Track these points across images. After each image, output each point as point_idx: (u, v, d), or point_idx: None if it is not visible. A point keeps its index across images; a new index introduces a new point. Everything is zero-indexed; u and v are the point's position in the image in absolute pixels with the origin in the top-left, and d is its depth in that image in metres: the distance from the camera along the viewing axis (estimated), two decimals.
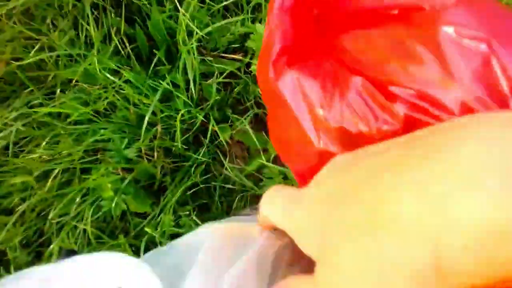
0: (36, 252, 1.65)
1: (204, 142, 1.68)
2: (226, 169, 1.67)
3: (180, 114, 1.53)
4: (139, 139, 1.59)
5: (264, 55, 0.59)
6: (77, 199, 1.58)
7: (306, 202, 0.36)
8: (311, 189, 0.38)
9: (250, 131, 1.67)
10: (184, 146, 1.62)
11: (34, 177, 1.57)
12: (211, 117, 1.63)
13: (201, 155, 1.64)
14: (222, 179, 1.71)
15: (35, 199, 1.58)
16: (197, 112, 1.58)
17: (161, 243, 1.55)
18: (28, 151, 1.63)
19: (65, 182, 1.64)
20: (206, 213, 1.66)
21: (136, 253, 1.53)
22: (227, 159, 1.69)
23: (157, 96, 1.52)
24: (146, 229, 1.54)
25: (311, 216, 0.34)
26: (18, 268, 1.59)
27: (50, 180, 1.55)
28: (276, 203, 0.43)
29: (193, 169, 1.64)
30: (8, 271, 1.59)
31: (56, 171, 1.58)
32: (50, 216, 1.58)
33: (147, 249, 1.55)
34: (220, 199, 1.69)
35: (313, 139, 0.52)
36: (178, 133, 1.53)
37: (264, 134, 1.69)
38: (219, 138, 1.71)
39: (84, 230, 1.57)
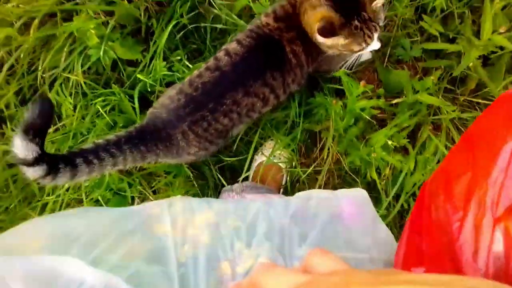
0: None
1: None
2: (214, 7, 1.57)
3: None
4: None
5: None
6: (64, 50, 1.53)
7: None
8: None
9: None
10: None
11: (16, 28, 1.50)
12: None
13: None
14: (212, 20, 1.62)
15: (21, 52, 1.53)
16: None
17: (154, 91, 1.54)
18: (4, 1, 1.54)
19: (52, 35, 1.58)
20: (198, 58, 1.61)
21: (131, 101, 1.53)
22: None
23: None
24: (139, 75, 1.51)
25: None
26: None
27: (32, 29, 1.48)
28: None
29: (178, 7, 1.54)
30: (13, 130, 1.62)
31: (37, 20, 1.50)
32: (40, 69, 1.55)
33: (142, 98, 1.54)
34: (212, 42, 1.62)
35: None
36: None
37: None
38: None
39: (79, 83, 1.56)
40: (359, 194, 0.93)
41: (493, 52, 1.34)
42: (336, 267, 0.49)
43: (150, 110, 1.33)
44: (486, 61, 1.47)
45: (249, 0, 1.56)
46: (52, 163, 1.07)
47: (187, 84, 1.27)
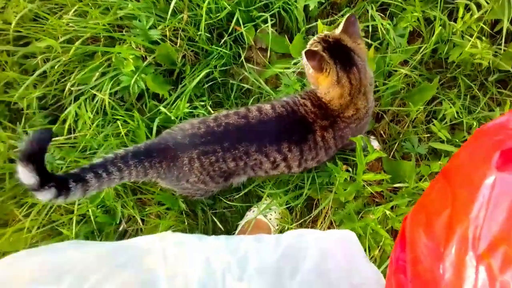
0: (52, 117, 1.71)
1: (227, 40, 1.70)
2: (246, 69, 1.70)
3: (207, 1, 1.54)
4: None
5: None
6: (99, 70, 1.61)
7: None
8: None
9: (274, 33, 1.68)
10: (207, 35, 1.64)
11: (60, 42, 1.60)
12: (238, 14, 1.64)
13: (222, 47, 1.67)
14: (240, 80, 1.74)
15: (57, 63, 1.61)
16: (224, 1, 1.59)
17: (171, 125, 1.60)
18: (57, 17, 1.66)
19: (89, 54, 1.68)
20: (218, 109, 1.70)
21: (151, 132, 1.58)
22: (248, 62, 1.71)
23: None
24: (162, 109, 1.58)
25: None
26: (32, 126, 1.65)
27: (74, 46, 1.58)
28: None
29: (213, 61, 1.66)
30: (25, 130, 1.65)
31: (81, 40, 1.61)
32: (71, 81, 1.62)
33: (158, 131, 1.60)
34: (235, 99, 1.72)
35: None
36: (204, 16, 1.55)
37: (287, 39, 1.71)
38: (242, 41, 1.73)
39: (102, 105, 1.62)
40: (348, 235, 0.96)
41: None
42: None
43: (167, 130, 1.39)
44: None
45: (280, 72, 1.70)
46: (61, 184, 1.14)
47: (211, 118, 1.35)
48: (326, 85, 1.34)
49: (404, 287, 0.71)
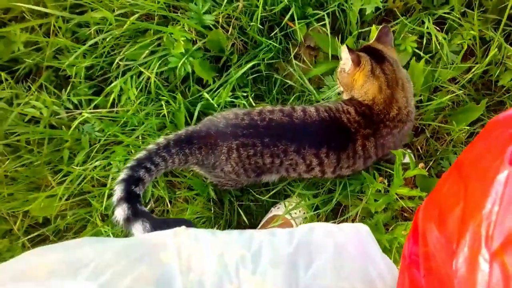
0: (97, 88, 1.74)
1: (277, 33, 1.69)
2: (292, 65, 1.69)
3: None
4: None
5: None
6: (149, 48, 1.63)
7: None
8: None
9: (326, 33, 1.67)
10: (259, 26, 1.63)
11: (115, 15, 1.62)
12: (293, 9, 1.63)
13: (272, 41, 1.66)
14: (284, 76, 1.73)
15: (109, 36, 1.63)
16: None
17: (211, 114, 1.61)
18: None
19: (140, 31, 1.70)
20: (258, 102, 1.70)
21: (190, 116, 1.60)
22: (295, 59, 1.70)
23: None
24: (205, 95, 1.59)
25: None
26: (77, 95, 1.68)
27: (128, 21, 1.59)
28: None
29: (261, 53, 1.66)
30: (69, 97, 1.69)
31: (137, 15, 1.62)
32: (118, 58, 1.64)
33: (198, 117, 1.61)
34: (276, 94, 1.72)
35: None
36: (260, 7, 1.54)
37: (337, 40, 1.69)
38: (292, 37, 1.73)
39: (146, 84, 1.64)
40: (362, 228, 0.96)
41: None
42: None
43: (209, 117, 1.41)
44: None
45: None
46: (135, 200, 1.27)
47: (256, 112, 1.36)
48: (361, 79, 1.39)
49: (417, 282, 0.71)
